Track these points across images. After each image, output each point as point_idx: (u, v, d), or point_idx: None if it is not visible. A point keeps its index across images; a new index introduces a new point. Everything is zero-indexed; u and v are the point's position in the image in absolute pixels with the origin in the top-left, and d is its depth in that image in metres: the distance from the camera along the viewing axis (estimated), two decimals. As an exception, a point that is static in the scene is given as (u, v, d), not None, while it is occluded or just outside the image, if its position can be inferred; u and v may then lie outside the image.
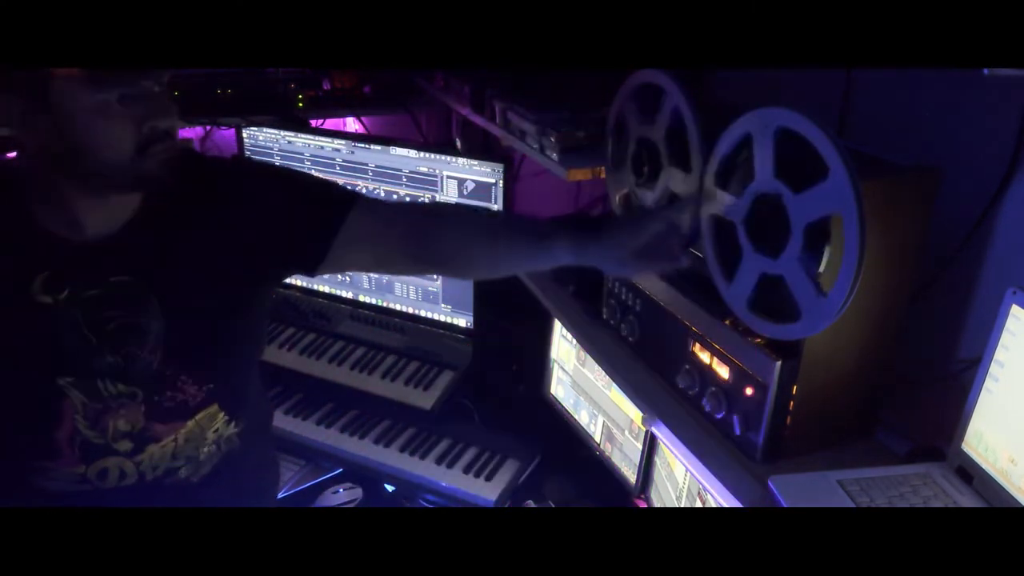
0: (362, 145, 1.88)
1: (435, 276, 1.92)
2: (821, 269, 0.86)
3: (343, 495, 1.73)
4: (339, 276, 2.07)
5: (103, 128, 0.91)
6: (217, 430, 1.14)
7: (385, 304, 2.04)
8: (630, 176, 1.16)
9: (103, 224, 1.00)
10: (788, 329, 0.90)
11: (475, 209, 1.24)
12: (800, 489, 0.89)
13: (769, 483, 0.90)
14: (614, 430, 1.52)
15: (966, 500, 0.86)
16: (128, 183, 0.98)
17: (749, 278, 0.93)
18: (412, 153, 1.82)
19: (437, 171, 1.79)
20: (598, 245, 1.05)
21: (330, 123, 2.30)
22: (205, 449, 1.13)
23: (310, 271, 1.13)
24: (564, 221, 1.10)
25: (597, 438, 1.58)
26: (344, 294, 2.09)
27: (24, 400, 1.02)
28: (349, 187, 1.17)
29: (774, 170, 0.88)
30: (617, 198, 1.22)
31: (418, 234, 1.13)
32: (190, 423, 1.10)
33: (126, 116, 0.92)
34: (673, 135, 1.06)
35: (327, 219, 1.10)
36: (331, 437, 1.79)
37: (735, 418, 0.99)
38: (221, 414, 1.13)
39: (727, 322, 1.00)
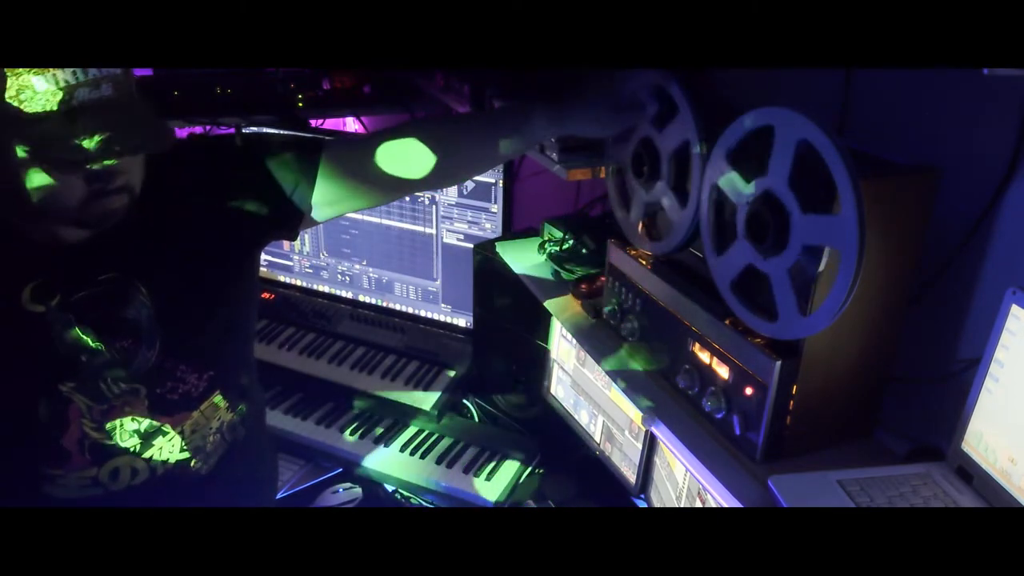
0: (362, 145, 1.88)
1: (435, 278, 1.92)
2: (820, 268, 0.86)
3: (343, 495, 1.73)
4: (339, 276, 2.07)
5: (39, 198, 0.89)
6: (220, 418, 1.14)
7: (385, 304, 2.04)
8: (635, 184, 1.15)
9: (78, 234, 0.99)
10: (763, 325, 0.92)
11: (442, 117, 1.25)
12: (800, 489, 0.89)
13: (769, 483, 0.90)
14: (614, 430, 1.52)
15: (966, 500, 0.86)
16: (73, 225, 0.96)
17: (736, 262, 0.95)
18: (412, 153, 1.82)
19: (437, 171, 1.79)
20: (573, 110, 1.08)
21: (330, 123, 2.30)
22: (211, 438, 1.13)
23: (292, 235, 1.14)
24: (530, 100, 1.12)
25: (597, 438, 1.58)
26: (344, 294, 2.09)
27: (29, 411, 1.02)
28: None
29: (788, 178, 0.87)
30: (639, 230, 1.19)
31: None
32: (195, 413, 1.10)
33: (74, 176, 0.89)
34: (679, 156, 1.06)
35: (302, 178, 1.09)
36: (331, 437, 1.79)
37: (735, 418, 0.99)
38: (224, 402, 1.14)
39: (727, 322, 1.00)
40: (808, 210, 0.85)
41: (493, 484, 1.65)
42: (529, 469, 1.70)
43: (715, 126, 0.97)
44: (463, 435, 1.79)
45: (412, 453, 1.74)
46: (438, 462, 1.71)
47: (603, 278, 1.30)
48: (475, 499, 1.63)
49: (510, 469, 1.70)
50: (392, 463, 1.72)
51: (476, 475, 1.68)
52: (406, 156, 1.10)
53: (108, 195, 0.93)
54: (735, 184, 0.94)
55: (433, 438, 1.79)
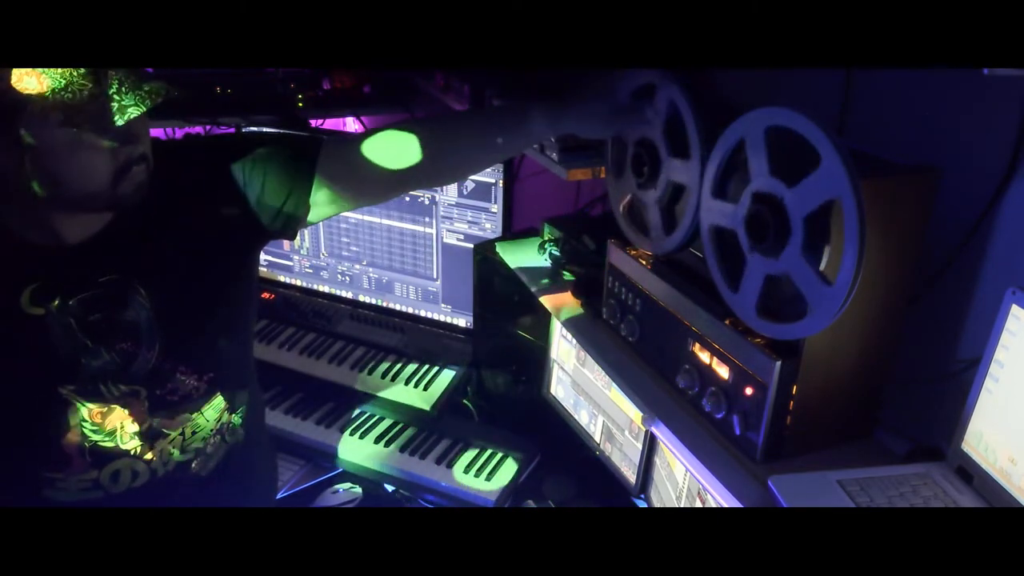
0: (362, 145, 1.88)
1: (435, 278, 1.92)
2: (824, 262, 0.86)
3: (343, 495, 1.73)
4: (339, 276, 2.07)
5: (78, 161, 0.90)
6: (221, 419, 1.14)
7: (385, 304, 2.04)
8: (631, 179, 1.15)
9: (83, 231, 1.00)
10: (799, 327, 0.89)
11: (440, 116, 1.25)
12: (800, 489, 0.89)
13: (769, 483, 0.90)
14: (614, 430, 1.52)
15: (966, 500, 0.86)
16: (103, 206, 0.97)
17: (754, 283, 0.93)
18: (412, 153, 1.82)
19: (437, 171, 1.79)
20: (572, 110, 1.07)
21: (330, 123, 2.30)
22: (212, 440, 1.13)
23: (291, 234, 1.13)
24: (529, 99, 1.11)
25: (597, 438, 1.58)
26: (344, 294, 2.09)
27: (29, 414, 1.02)
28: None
29: (769, 168, 0.88)
30: (621, 207, 1.22)
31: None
32: (195, 415, 1.10)
33: (100, 148, 0.90)
34: (670, 127, 1.06)
35: (300, 177, 1.09)
36: (331, 437, 1.79)
37: (735, 418, 0.99)
38: (224, 403, 1.13)
39: (727, 322, 0.99)
40: (795, 183, 0.85)
41: (493, 484, 1.65)
42: (529, 469, 1.70)
43: (715, 127, 0.97)
44: (463, 435, 1.79)
45: (412, 453, 1.74)
46: (438, 462, 1.71)
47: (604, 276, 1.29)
48: (475, 498, 1.63)
49: (510, 469, 1.70)
50: (392, 463, 1.72)
51: (476, 475, 1.68)
52: (404, 154, 1.10)
53: (132, 165, 0.94)
54: (727, 212, 0.95)
55: (433, 438, 1.79)
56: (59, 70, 0.85)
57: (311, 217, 1.13)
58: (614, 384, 1.22)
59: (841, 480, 0.89)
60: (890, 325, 0.97)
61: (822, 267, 0.86)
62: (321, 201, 1.11)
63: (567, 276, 1.45)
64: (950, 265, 0.98)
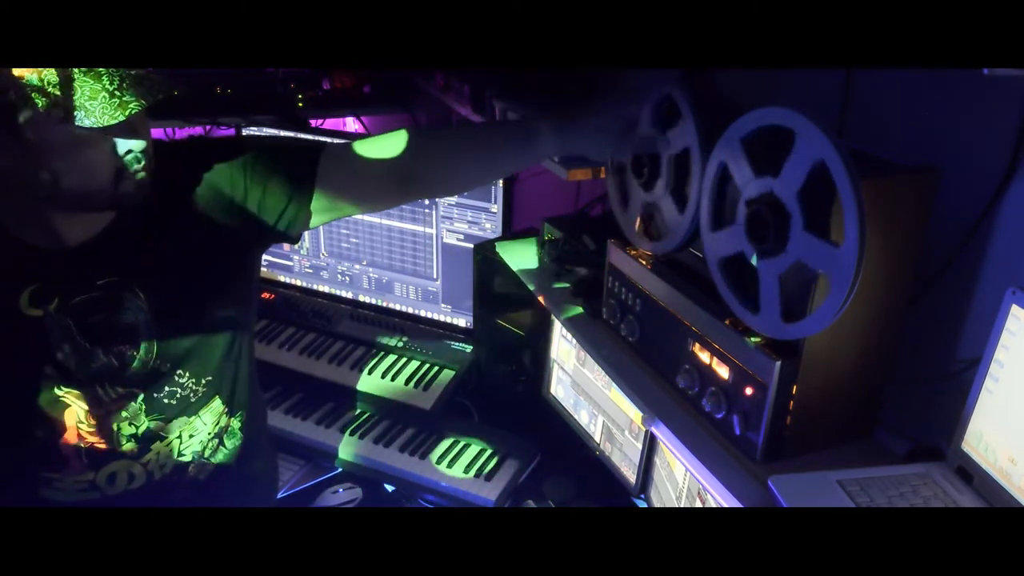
0: (362, 145, 1.88)
1: (435, 278, 1.92)
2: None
3: (343, 495, 1.73)
4: (339, 276, 2.07)
5: (80, 158, 0.90)
6: (219, 423, 1.14)
7: (385, 304, 2.04)
8: (637, 191, 1.15)
9: (83, 232, 0.99)
10: (821, 311, 0.87)
11: (449, 127, 1.24)
12: (800, 489, 0.89)
13: (769, 483, 0.90)
14: (614, 430, 1.52)
15: (966, 500, 0.86)
16: (105, 205, 0.97)
17: (771, 292, 0.91)
18: (412, 153, 1.81)
19: (437, 171, 1.79)
20: (581, 130, 1.08)
21: (330, 123, 2.30)
22: (210, 444, 1.13)
23: (293, 239, 1.13)
24: (539, 116, 1.11)
25: (597, 438, 1.58)
26: (344, 294, 2.09)
27: (26, 415, 1.02)
28: None
29: (753, 172, 0.89)
30: (636, 228, 1.18)
31: (397, 166, 1.10)
32: (193, 419, 1.10)
33: (103, 145, 0.91)
34: (679, 161, 1.07)
35: (300, 184, 1.09)
36: (331, 437, 1.79)
37: (735, 418, 0.99)
38: (223, 407, 1.13)
39: (727, 322, 0.99)
40: (779, 169, 0.85)
41: (493, 484, 1.65)
42: (529, 469, 1.70)
43: (716, 128, 0.97)
44: (463, 434, 1.79)
45: (412, 453, 1.74)
46: (438, 462, 1.71)
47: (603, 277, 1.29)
48: (475, 499, 1.63)
49: (510, 469, 1.70)
50: (392, 463, 1.72)
51: (476, 474, 1.68)
52: (406, 166, 1.09)
53: (132, 164, 0.94)
54: (728, 237, 0.95)
55: (433, 438, 1.79)
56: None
57: (312, 222, 1.12)
58: (614, 384, 1.22)
59: (841, 480, 0.89)
60: (890, 325, 0.97)
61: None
62: (321, 208, 1.11)
63: (567, 276, 1.45)
64: (950, 265, 0.98)
